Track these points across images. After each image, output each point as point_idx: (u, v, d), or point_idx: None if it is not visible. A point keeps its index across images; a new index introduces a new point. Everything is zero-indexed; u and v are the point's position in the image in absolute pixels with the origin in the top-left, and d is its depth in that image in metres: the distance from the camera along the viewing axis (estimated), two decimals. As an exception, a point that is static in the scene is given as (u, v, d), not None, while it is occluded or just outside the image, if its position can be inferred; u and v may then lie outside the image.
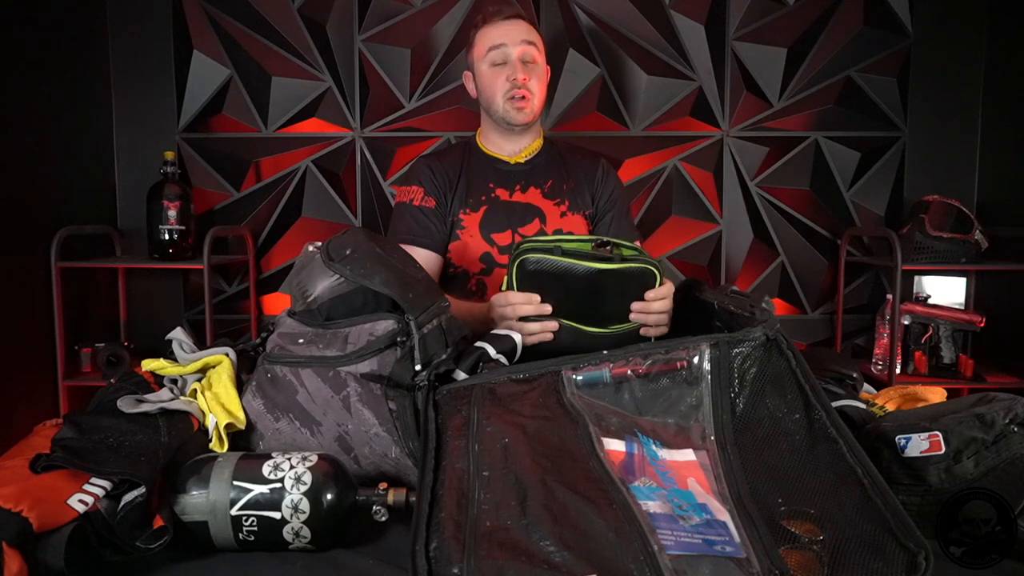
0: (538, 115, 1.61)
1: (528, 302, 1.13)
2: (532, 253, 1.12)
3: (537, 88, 1.57)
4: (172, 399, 0.89)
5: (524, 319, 1.13)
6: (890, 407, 1.07)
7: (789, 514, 0.68)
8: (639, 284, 1.11)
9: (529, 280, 1.13)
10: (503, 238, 1.57)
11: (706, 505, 0.69)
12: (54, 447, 0.74)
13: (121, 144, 2.37)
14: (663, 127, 2.39)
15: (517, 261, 1.12)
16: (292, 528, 0.72)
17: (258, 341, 1.01)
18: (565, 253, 1.10)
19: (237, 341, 1.05)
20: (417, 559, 0.60)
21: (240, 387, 0.94)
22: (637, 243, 1.20)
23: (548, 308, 1.13)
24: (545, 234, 1.57)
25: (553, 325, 1.12)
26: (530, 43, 1.56)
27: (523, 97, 1.54)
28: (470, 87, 1.66)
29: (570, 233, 1.58)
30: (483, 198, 1.59)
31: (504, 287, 1.17)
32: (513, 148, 1.64)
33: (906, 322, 2.17)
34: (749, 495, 0.71)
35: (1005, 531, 0.70)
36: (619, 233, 1.65)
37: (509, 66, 1.55)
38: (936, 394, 1.09)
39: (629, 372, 0.85)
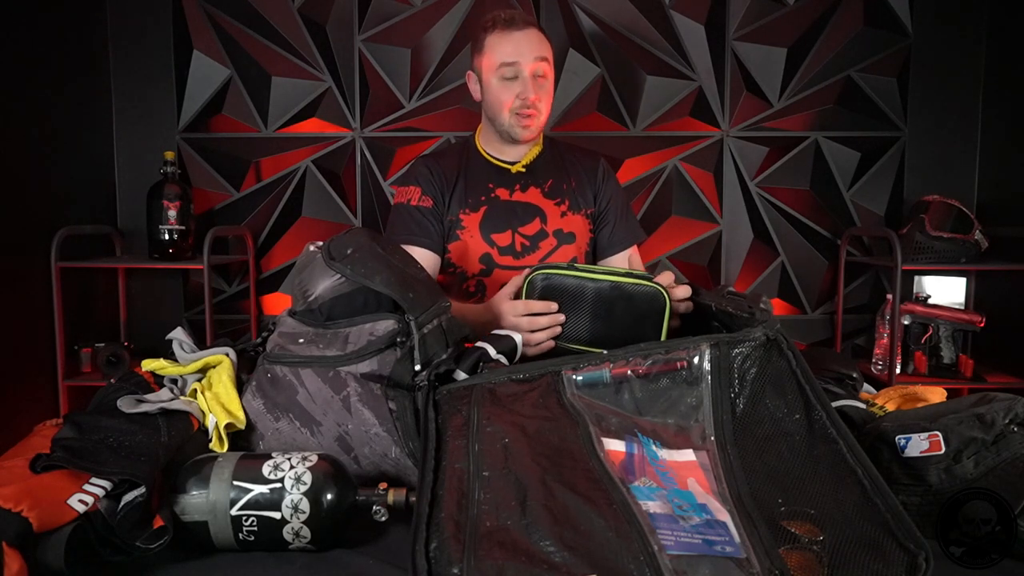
0: (542, 129, 1.60)
1: (547, 310, 1.12)
2: (542, 270, 1.13)
3: (545, 105, 1.56)
4: (172, 399, 0.88)
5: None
6: (890, 407, 1.07)
7: (789, 514, 0.68)
8: (649, 307, 1.09)
9: (538, 298, 1.13)
10: (503, 238, 1.56)
11: (706, 505, 0.69)
12: (54, 447, 0.74)
13: (121, 144, 2.38)
14: (663, 127, 2.39)
15: (528, 279, 1.13)
16: (292, 528, 0.72)
17: (258, 341, 1.01)
18: (577, 269, 1.11)
19: (237, 341, 1.05)
20: (417, 559, 0.60)
21: (240, 387, 0.94)
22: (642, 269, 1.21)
23: (562, 317, 1.12)
24: (546, 234, 1.57)
25: (560, 318, 1.12)
26: (543, 59, 1.53)
27: (531, 115, 1.53)
28: (473, 88, 1.63)
29: (573, 233, 1.59)
30: (482, 198, 1.58)
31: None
32: (514, 155, 1.63)
33: (906, 322, 2.17)
34: (749, 495, 0.71)
35: (1005, 531, 0.70)
36: (624, 233, 1.65)
37: (520, 82, 1.52)
38: (936, 394, 1.09)
39: (629, 372, 0.85)
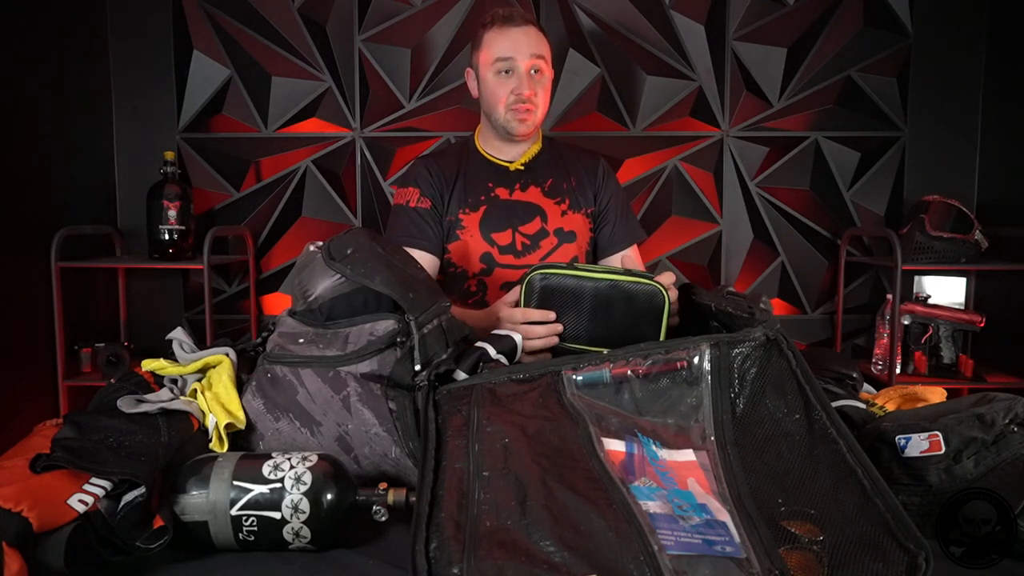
0: (539, 125, 1.60)
1: (545, 319, 1.12)
2: (541, 270, 1.12)
3: (541, 100, 1.56)
4: (172, 399, 0.88)
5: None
6: (890, 407, 1.07)
7: (789, 514, 0.68)
8: (648, 305, 1.09)
9: (537, 298, 1.13)
10: (503, 237, 1.56)
11: (706, 505, 0.69)
12: (54, 447, 0.74)
13: (121, 144, 2.38)
14: (663, 127, 2.39)
15: (527, 279, 1.13)
16: (292, 528, 0.72)
17: (258, 341, 1.01)
18: (576, 269, 1.11)
19: (237, 341, 1.05)
20: (417, 559, 0.60)
21: (240, 387, 0.94)
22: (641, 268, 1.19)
23: (560, 327, 1.12)
24: (547, 232, 1.57)
25: (558, 328, 1.12)
26: (539, 56, 1.54)
27: (527, 110, 1.53)
28: (471, 85, 1.64)
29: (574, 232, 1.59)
30: (482, 197, 1.58)
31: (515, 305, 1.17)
32: (512, 153, 1.63)
33: (906, 322, 2.17)
34: (749, 495, 0.71)
35: (1005, 531, 0.70)
36: (624, 232, 1.65)
37: (516, 77, 1.53)
38: (936, 394, 1.09)
39: (629, 372, 0.85)
